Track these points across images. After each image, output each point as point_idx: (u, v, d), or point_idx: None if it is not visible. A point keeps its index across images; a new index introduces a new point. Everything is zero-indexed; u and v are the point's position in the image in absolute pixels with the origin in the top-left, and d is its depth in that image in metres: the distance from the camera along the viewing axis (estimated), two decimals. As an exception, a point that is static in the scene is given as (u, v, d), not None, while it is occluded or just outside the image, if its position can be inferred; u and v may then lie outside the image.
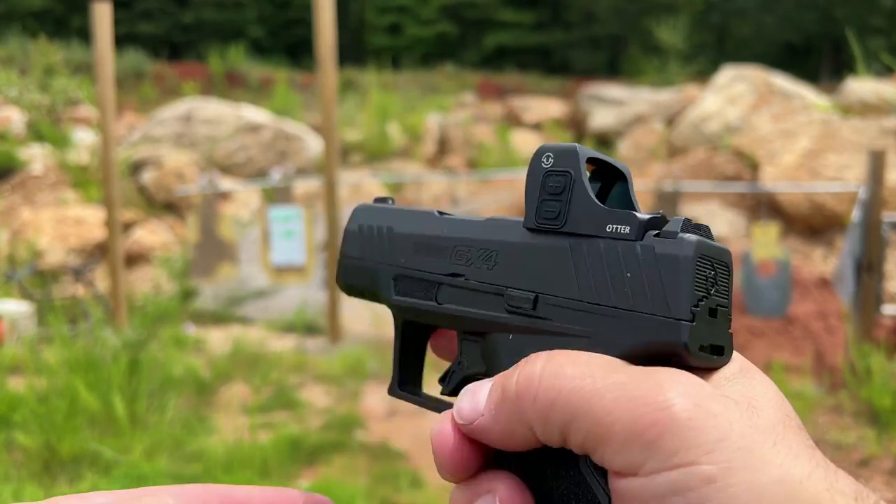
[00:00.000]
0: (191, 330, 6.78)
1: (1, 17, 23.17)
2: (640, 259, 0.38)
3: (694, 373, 0.37)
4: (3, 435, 4.29)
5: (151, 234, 8.92)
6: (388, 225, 0.53)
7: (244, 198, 9.62)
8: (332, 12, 5.61)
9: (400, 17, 27.77)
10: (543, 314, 0.42)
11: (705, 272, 0.38)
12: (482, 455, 0.44)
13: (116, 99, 6.53)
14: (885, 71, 10.59)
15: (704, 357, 0.37)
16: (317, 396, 5.14)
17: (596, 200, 0.40)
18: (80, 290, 7.38)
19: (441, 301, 0.49)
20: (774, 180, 7.52)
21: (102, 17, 6.02)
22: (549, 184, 0.42)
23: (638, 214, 0.39)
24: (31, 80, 12.18)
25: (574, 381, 0.37)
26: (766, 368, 5.43)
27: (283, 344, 6.50)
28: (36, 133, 10.90)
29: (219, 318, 7.57)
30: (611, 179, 0.44)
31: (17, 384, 4.98)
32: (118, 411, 4.38)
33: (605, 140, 11.81)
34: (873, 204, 4.96)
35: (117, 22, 6.26)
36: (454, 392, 0.49)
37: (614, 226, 0.39)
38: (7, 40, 18.27)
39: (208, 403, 5.10)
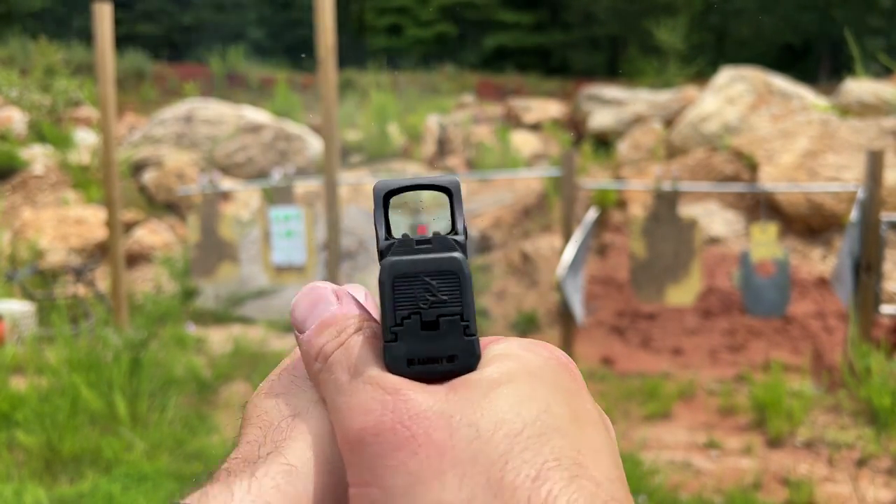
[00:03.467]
0: (192, 329, 6.79)
1: (1, 17, 23.18)
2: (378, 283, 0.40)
3: (429, 382, 0.36)
4: (5, 434, 4.30)
5: (152, 234, 8.93)
6: None
7: (245, 198, 9.63)
8: (332, 13, 5.62)
9: (399, 18, 27.77)
10: None
11: (410, 290, 0.38)
12: None
13: (117, 99, 6.54)
14: (883, 71, 10.61)
15: (422, 369, 0.37)
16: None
17: (381, 230, 0.40)
18: (81, 290, 7.40)
19: None
20: (773, 180, 7.54)
21: (103, 18, 6.03)
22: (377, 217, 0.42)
23: (384, 240, 0.40)
24: (32, 80, 12.19)
25: (341, 374, 0.37)
26: (765, 368, 5.45)
27: (284, 343, 6.51)
28: (37, 133, 10.91)
29: (219, 317, 7.58)
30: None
31: (18, 384, 5.00)
32: (119, 410, 4.40)
33: (604, 140, 11.82)
34: (872, 204, 4.98)
35: (118, 22, 6.27)
36: None
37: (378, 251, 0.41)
38: (7, 41, 18.28)
39: (209, 403, 5.12)
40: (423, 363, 0.38)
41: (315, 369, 0.39)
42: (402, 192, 0.41)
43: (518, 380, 0.35)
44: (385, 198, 0.41)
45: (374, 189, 0.41)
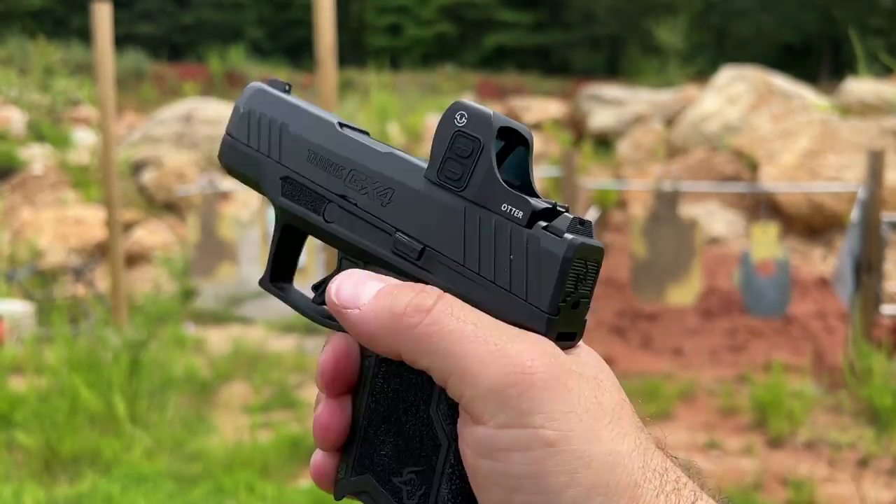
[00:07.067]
0: (191, 330, 6.78)
1: (0, 16, 23.16)
2: (524, 246, 0.40)
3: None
4: (4, 434, 4.29)
5: (152, 234, 8.92)
6: (283, 121, 0.51)
7: (244, 198, 9.62)
8: (331, 13, 5.61)
9: (399, 18, 27.77)
10: (427, 267, 0.44)
11: (578, 271, 0.41)
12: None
13: (116, 99, 6.53)
14: (884, 71, 10.60)
15: (559, 343, 0.41)
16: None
17: (498, 175, 0.41)
18: (80, 290, 7.39)
19: (329, 219, 0.49)
20: (774, 180, 7.53)
21: (102, 18, 6.02)
22: (457, 145, 0.42)
23: (532, 202, 0.41)
24: (31, 80, 12.19)
25: (459, 324, 0.40)
26: (766, 368, 5.44)
27: (284, 344, 6.50)
28: (36, 133, 10.91)
29: (219, 317, 7.57)
30: (514, 142, 0.45)
31: (17, 384, 4.98)
32: (119, 411, 4.39)
33: (604, 140, 11.81)
34: (873, 204, 4.97)
35: (117, 22, 6.27)
36: (325, 302, 0.49)
37: (509, 206, 0.41)
38: (6, 40, 18.26)
39: (209, 403, 5.11)
40: (563, 337, 0.42)
41: (410, 322, 0.41)
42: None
43: (597, 358, 0.46)
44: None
45: (489, 119, 0.42)
